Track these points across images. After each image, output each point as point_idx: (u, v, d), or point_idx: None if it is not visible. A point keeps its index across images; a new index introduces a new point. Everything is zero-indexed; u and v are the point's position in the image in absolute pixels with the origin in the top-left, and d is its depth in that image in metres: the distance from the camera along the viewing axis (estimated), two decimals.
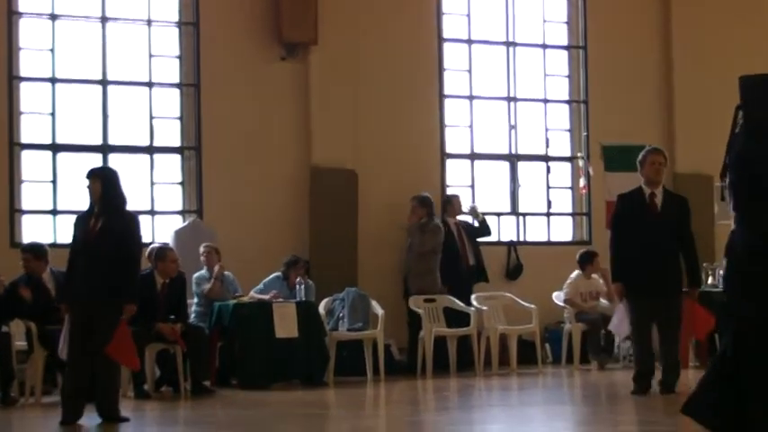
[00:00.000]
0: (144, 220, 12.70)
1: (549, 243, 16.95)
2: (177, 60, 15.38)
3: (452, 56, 16.71)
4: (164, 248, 12.97)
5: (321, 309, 14.01)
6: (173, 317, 12.54)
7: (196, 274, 13.82)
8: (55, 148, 14.65)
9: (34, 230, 14.44)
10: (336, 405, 11.88)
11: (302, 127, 15.57)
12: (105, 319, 9.64)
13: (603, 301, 15.28)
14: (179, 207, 15.29)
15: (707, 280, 15.28)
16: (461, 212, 15.92)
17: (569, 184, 17.19)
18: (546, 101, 17.21)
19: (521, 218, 16.95)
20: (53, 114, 14.68)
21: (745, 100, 6.32)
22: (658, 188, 11.01)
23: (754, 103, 6.29)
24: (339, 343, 13.89)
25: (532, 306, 15.07)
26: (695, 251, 11.04)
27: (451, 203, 15.85)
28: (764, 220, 6.06)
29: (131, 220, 10.04)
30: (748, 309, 6.06)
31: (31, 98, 14.71)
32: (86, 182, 10.04)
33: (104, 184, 9.92)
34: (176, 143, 15.33)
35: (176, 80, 15.37)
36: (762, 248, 6.04)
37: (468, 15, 16.81)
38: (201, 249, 13.99)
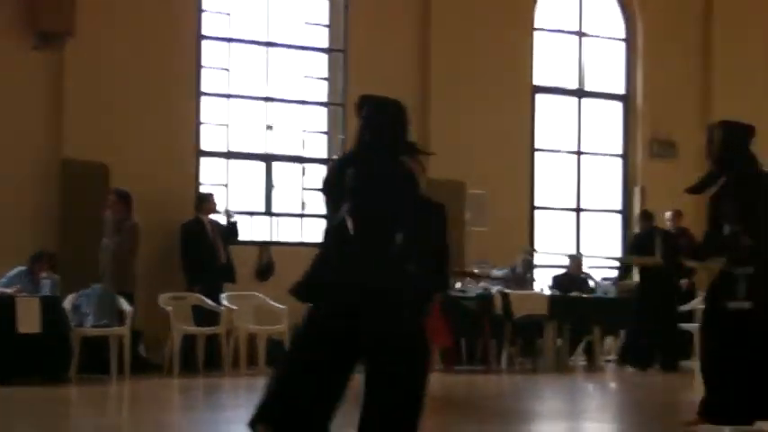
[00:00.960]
0: None
1: (302, 244, 16.99)
2: None
3: (211, 53, 16.58)
4: None
5: (67, 304, 13.70)
6: None
7: None
8: None
9: None
10: (79, 403, 11.63)
11: (54, 119, 15.21)
12: None
13: None
14: None
15: (455, 285, 15.64)
16: (215, 211, 15.83)
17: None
18: (303, 102, 17.27)
19: (274, 218, 16.96)
20: None
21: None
22: None
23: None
24: (84, 339, 13.61)
25: (283, 306, 15.07)
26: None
27: (207, 201, 15.74)
28: None
29: None
30: None
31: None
32: None
33: None
34: None
35: None
36: None
37: (229, 14, 16.73)
38: None
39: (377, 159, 6.63)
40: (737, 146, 8.01)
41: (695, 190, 8.26)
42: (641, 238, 16.46)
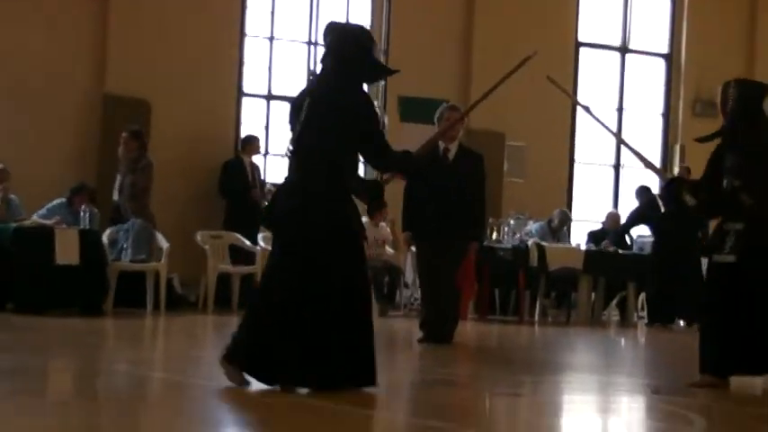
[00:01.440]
0: None
1: None
2: None
3: None
4: None
5: (105, 238, 13.80)
6: None
7: None
8: None
9: None
10: (114, 335, 11.74)
11: (97, 54, 15.27)
12: None
13: (389, 249, 15.47)
14: None
15: (491, 235, 15.64)
16: (258, 152, 15.89)
17: None
18: None
19: None
20: None
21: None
22: (453, 143, 11.19)
23: None
24: (121, 273, 13.71)
25: None
26: (482, 206, 11.25)
27: (251, 143, 15.77)
28: None
29: None
30: None
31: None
32: None
33: None
34: None
35: None
36: None
37: None
38: None
39: (335, 87, 6.83)
40: (751, 103, 8.11)
41: (704, 140, 8.30)
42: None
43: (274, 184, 15.66)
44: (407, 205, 11.25)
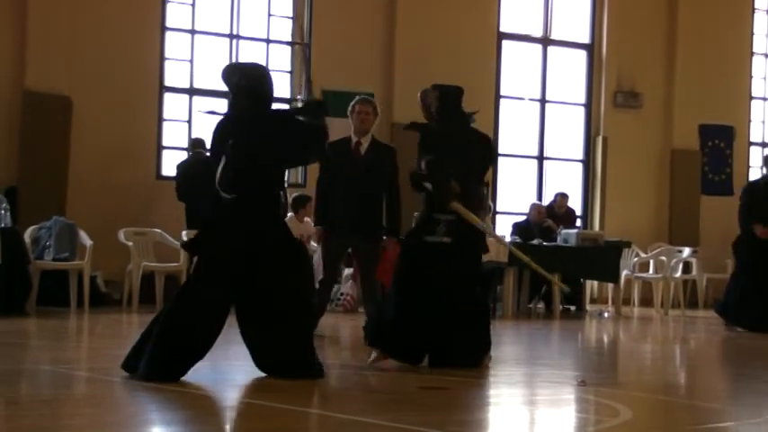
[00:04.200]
0: None
1: None
2: None
3: None
4: None
5: (27, 236, 13.63)
6: None
7: None
8: None
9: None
10: (37, 335, 11.60)
11: (16, 51, 15.08)
12: None
13: (314, 245, 15.42)
14: None
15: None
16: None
17: None
18: (269, 41, 17.20)
19: None
20: None
21: None
22: (365, 137, 11.20)
23: None
24: (43, 272, 13.56)
25: None
26: (397, 200, 11.23)
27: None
28: None
29: None
30: None
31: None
32: None
33: None
34: None
35: None
36: None
37: None
38: None
39: (256, 122, 7.64)
40: (453, 105, 9.06)
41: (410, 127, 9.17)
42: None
43: None
44: (319, 200, 11.24)
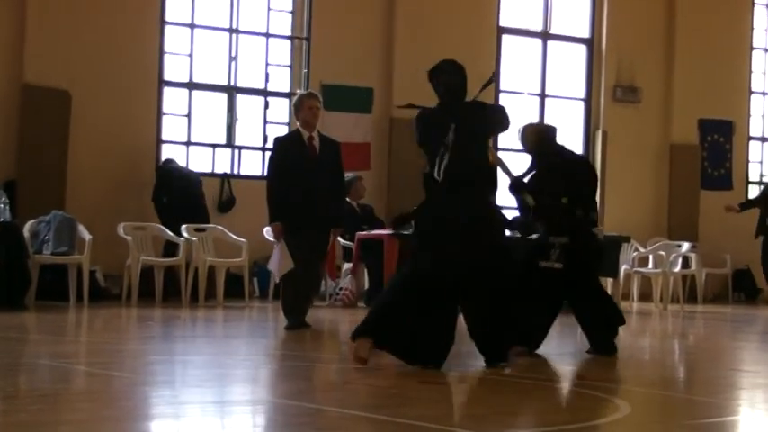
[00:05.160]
0: None
1: (262, 177, 16.94)
2: None
3: None
4: None
5: (26, 230, 13.63)
6: None
7: None
8: None
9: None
10: (36, 329, 11.60)
11: (15, 44, 15.07)
12: None
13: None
14: None
15: None
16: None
17: (287, 120, 17.20)
18: (268, 35, 17.19)
19: (236, 151, 16.91)
20: None
21: None
22: (314, 131, 11.22)
23: None
24: (42, 266, 13.56)
25: (243, 240, 15.07)
26: (344, 193, 11.81)
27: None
28: None
29: None
30: None
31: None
32: None
33: None
34: None
35: None
36: None
37: None
38: None
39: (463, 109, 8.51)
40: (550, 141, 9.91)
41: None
42: None
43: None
44: (274, 195, 11.17)
